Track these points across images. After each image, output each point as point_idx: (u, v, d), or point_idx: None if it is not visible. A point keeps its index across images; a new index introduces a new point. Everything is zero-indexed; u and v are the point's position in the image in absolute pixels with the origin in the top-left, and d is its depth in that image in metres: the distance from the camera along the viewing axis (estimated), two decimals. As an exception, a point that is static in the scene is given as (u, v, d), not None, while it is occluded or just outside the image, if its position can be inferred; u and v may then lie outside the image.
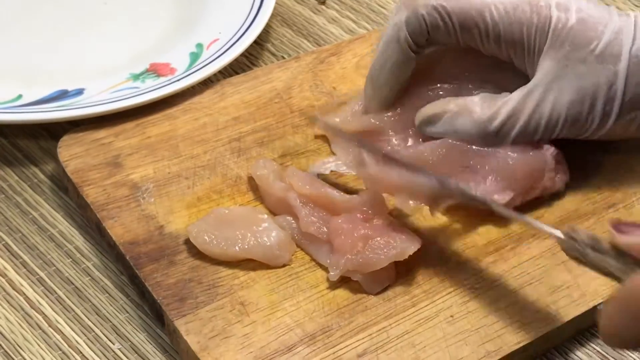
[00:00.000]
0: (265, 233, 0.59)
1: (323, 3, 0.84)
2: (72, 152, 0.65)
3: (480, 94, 0.63)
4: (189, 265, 0.58)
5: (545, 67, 0.61)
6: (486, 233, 0.62)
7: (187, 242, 0.59)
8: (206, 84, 0.71)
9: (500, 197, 0.61)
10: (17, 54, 0.75)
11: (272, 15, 0.77)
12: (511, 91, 0.62)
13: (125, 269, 0.60)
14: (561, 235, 0.52)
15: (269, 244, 0.59)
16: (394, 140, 0.65)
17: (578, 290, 0.59)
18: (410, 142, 0.65)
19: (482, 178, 0.62)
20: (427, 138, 0.64)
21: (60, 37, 0.77)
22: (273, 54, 0.79)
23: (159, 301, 0.56)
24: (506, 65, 0.64)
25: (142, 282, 0.58)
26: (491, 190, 0.61)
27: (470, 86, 0.65)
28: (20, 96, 0.69)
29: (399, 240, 0.58)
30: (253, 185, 0.63)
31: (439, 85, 0.65)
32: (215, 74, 0.72)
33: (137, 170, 0.64)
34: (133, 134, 0.66)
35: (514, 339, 0.56)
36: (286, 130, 0.68)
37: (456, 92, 0.65)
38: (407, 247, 0.58)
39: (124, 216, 0.61)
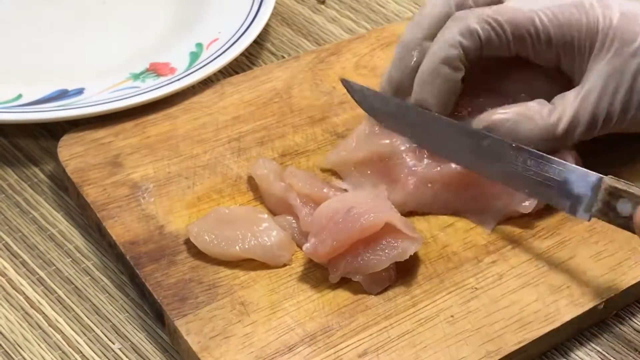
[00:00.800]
0: (266, 233, 0.59)
1: (323, 2, 0.84)
2: (72, 152, 0.65)
3: (535, 101, 0.62)
4: (189, 265, 0.58)
5: (598, 67, 0.62)
6: (486, 233, 0.62)
7: (188, 241, 0.59)
8: (206, 83, 0.71)
9: (527, 204, 0.61)
10: (17, 53, 0.76)
11: (272, 15, 0.77)
12: (544, 97, 0.63)
13: (126, 268, 0.60)
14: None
15: (269, 243, 0.59)
16: (408, 161, 0.63)
17: (578, 290, 0.59)
18: (426, 161, 0.63)
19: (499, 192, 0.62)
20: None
21: (60, 37, 0.77)
22: (273, 54, 0.79)
23: (159, 301, 0.56)
24: (538, 71, 0.64)
25: (142, 281, 0.57)
26: (518, 200, 0.61)
27: (499, 96, 0.65)
28: (20, 96, 0.69)
29: (399, 240, 0.58)
30: (253, 184, 0.63)
31: (468, 98, 0.65)
32: (215, 74, 0.72)
33: (137, 170, 0.64)
34: (133, 133, 0.66)
35: (515, 339, 0.56)
36: (286, 129, 0.68)
37: (490, 103, 0.64)
38: (407, 246, 0.58)
39: (124, 216, 0.61)
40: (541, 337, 0.56)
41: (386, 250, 0.57)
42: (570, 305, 0.58)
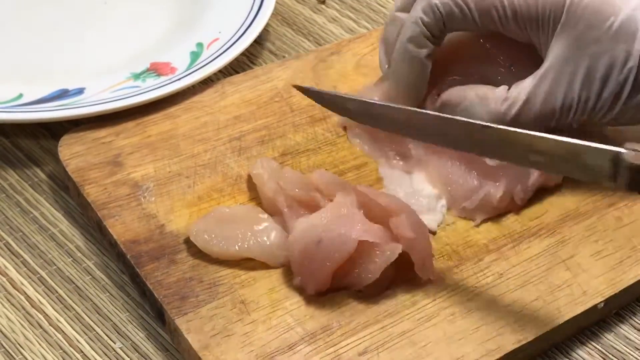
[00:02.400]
0: (266, 233, 0.59)
1: (323, 2, 0.84)
2: (73, 151, 0.65)
3: (501, 87, 0.62)
4: (190, 264, 0.59)
5: (557, 49, 0.59)
6: (487, 232, 0.62)
7: (188, 241, 0.59)
8: (207, 83, 0.71)
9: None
10: (18, 53, 0.76)
11: (272, 15, 0.77)
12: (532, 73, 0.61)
13: (126, 267, 0.60)
14: (623, 150, 0.48)
15: (268, 243, 0.59)
16: None
17: (578, 289, 0.59)
18: None
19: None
20: None
21: (61, 37, 0.77)
22: (273, 53, 0.79)
23: (159, 300, 0.56)
24: (527, 47, 0.63)
25: (143, 280, 0.58)
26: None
27: (496, 70, 0.65)
28: (20, 95, 0.69)
29: (384, 245, 0.57)
30: (253, 184, 0.63)
31: (456, 77, 0.65)
32: (215, 74, 0.72)
33: (138, 169, 0.64)
34: (134, 132, 0.67)
35: (515, 338, 0.56)
36: (287, 129, 0.68)
37: (478, 80, 0.64)
38: (394, 248, 0.57)
39: (124, 215, 0.61)
40: (541, 336, 0.56)
41: (375, 260, 0.57)
42: (570, 304, 0.58)
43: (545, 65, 0.60)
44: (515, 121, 0.60)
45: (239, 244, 0.59)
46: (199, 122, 0.68)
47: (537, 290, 0.58)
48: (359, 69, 0.73)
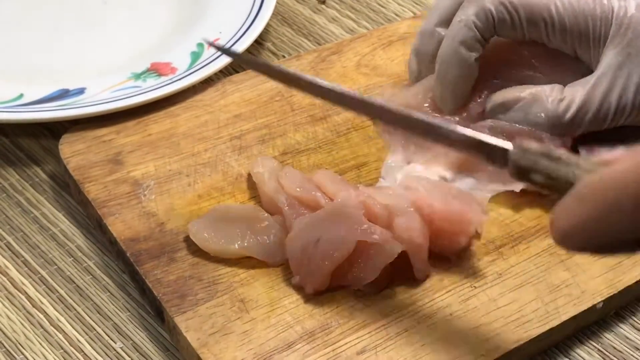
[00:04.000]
0: (265, 231, 0.59)
1: (323, 2, 0.84)
2: (73, 149, 0.65)
3: (550, 85, 0.64)
4: (189, 262, 0.59)
5: (610, 56, 0.62)
6: (486, 232, 0.62)
7: (188, 239, 0.59)
8: (207, 82, 0.71)
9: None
10: (18, 53, 0.76)
11: (273, 15, 0.77)
12: (569, 82, 0.63)
13: (126, 266, 0.60)
14: (511, 147, 0.48)
15: (268, 242, 0.59)
16: None
17: (577, 289, 0.59)
18: None
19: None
20: None
21: (61, 37, 0.77)
22: (274, 53, 0.79)
23: (159, 298, 0.56)
24: (566, 57, 0.65)
25: (142, 278, 0.58)
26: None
27: (533, 76, 0.66)
28: (21, 95, 0.70)
29: (383, 243, 0.57)
30: (253, 182, 0.63)
31: (496, 80, 0.66)
32: (216, 74, 0.72)
33: (138, 168, 0.64)
34: (134, 131, 0.67)
35: (513, 338, 0.56)
36: (287, 128, 0.68)
37: (518, 83, 0.65)
38: (393, 248, 0.57)
39: (125, 213, 0.61)
40: (540, 336, 0.56)
41: (373, 259, 0.57)
42: (569, 304, 0.58)
43: (598, 72, 0.62)
44: (570, 122, 0.62)
45: (239, 243, 0.59)
46: (199, 120, 0.68)
47: (536, 290, 0.58)
48: (360, 69, 0.73)
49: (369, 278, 0.57)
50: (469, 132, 0.50)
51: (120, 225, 0.60)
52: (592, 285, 0.59)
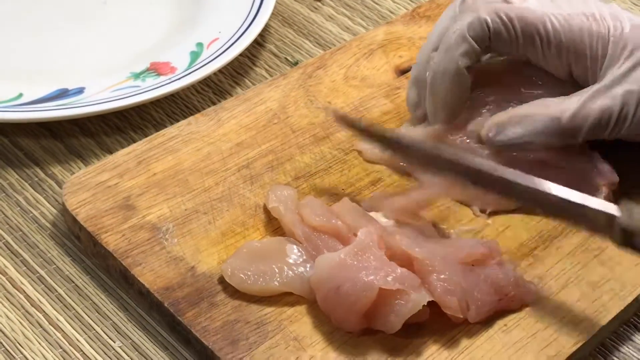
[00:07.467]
0: (302, 265, 0.58)
1: (319, 0, 0.83)
2: (79, 199, 0.61)
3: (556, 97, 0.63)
4: (231, 305, 0.56)
5: (612, 70, 0.61)
6: (516, 236, 0.62)
7: (222, 280, 0.57)
8: (199, 110, 0.69)
9: None
10: (18, 52, 0.75)
11: (273, 15, 0.77)
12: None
13: (163, 316, 0.57)
14: (617, 212, 0.49)
15: (307, 275, 0.57)
16: None
17: (618, 283, 0.59)
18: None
19: None
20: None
21: (61, 36, 0.77)
22: (275, 55, 0.78)
23: (210, 347, 0.54)
24: (557, 80, 0.64)
25: (186, 328, 0.55)
26: None
27: (526, 94, 0.65)
28: (20, 95, 0.69)
29: (405, 295, 0.54)
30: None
31: (493, 98, 0.65)
32: (213, 81, 0.72)
33: (152, 211, 0.61)
34: (137, 172, 0.63)
35: (571, 340, 0.56)
36: (292, 151, 0.66)
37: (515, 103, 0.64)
38: (417, 299, 0.54)
39: (150, 261, 0.58)
40: (595, 335, 0.57)
41: (395, 309, 0.54)
42: (615, 299, 0.58)
43: (603, 81, 0.61)
44: (570, 128, 0.61)
45: (278, 280, 0.57)
46: (202, 153, 0.65)
47: (579, 289, 0.59)
48: (348, 82, 0.72)
49: (393, 329, 0.54)
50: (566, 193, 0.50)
51: (150, 275, 0.57)
52: (630, 276, 0.60)
